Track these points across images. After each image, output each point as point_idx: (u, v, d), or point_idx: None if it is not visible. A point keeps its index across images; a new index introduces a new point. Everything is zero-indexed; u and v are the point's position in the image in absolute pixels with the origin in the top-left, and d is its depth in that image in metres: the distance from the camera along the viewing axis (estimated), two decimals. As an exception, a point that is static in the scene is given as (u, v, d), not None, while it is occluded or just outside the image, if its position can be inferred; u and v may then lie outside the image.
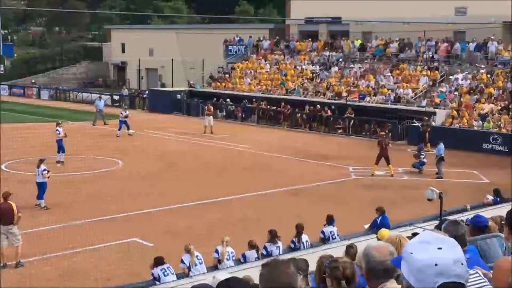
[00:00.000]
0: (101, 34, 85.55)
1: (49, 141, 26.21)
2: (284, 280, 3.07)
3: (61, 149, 27.84)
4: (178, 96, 48.75)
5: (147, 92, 55.27)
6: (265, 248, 14.29)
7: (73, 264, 15.61)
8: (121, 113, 36.93)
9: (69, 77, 71.67)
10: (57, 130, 27.93)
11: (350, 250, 9.96)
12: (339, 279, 4.42)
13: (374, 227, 15.38)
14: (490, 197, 18.73)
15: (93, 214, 19.48)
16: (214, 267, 13.68)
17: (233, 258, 13.96)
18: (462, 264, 2.55)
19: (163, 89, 55.91)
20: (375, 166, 26.72)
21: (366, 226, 16.32)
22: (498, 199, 18.25)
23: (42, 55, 76.56)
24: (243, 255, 14.11)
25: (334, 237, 15.41)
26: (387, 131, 32.78)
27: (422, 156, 27.30)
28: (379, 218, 15.98)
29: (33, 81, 67.71)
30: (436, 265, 2.50)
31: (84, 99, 55.66)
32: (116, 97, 54.38)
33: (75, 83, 70.72)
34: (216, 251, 13.90)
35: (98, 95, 50.84)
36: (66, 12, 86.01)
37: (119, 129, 36.32)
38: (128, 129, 36.73)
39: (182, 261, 13.44)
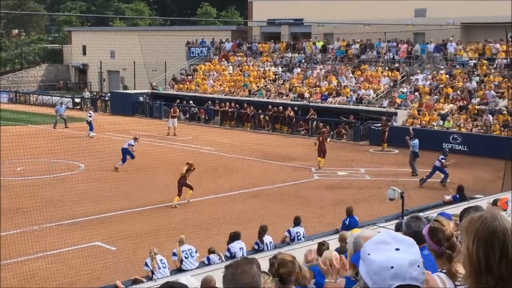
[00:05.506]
0: (62, 36, 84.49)
1: (10, 145, 25.69)
2: (246, 280, 3.07)
3: (124, 158, 27.70)
4: (141, 99, 48.46)
5: (109, 94, 54.81)
6: (228, 250, 14.31)
7: (34, 269, 15.38)
8: (89, 114, 37.46)
9: (29, 79, 70.55)
10: (130, 144, 27.87)
11: (322, 248, 9.91)
12: (274, 276, 4.42)
13: (343, 229, 15.50)
14: (448, 196, 18.88)
15: (54, 218, 19.24)
16: (178, 270, 13.66)
17: (192, 255, 14.13)
18: (418, 266, 2.54)
19: (125, 91, 55.52)
20: (319, 159, 28.15)
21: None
22: (457, 196, 18.37)
23: (1, 57, 75.20)
24: (208, 258, 14.14)
25: (299, 238, 15.48)
26: (328, 127, 35.15)
27: (443, 161, 24.45)
28: (347, 219, 16.12)
29: (-9, 84, 66.54)
30: (392, 267, 2.50)
31: (44, 102, 54.87)
32: (77, 100, 53.79)
33: (35, 85, 69.70)
34: (174, 254, 14.22)
35: (59, 100, 50.14)
36: (25, 14, 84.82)
37: (90, 129, 36.91)
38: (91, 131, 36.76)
39: (146, 264, 13.50)
